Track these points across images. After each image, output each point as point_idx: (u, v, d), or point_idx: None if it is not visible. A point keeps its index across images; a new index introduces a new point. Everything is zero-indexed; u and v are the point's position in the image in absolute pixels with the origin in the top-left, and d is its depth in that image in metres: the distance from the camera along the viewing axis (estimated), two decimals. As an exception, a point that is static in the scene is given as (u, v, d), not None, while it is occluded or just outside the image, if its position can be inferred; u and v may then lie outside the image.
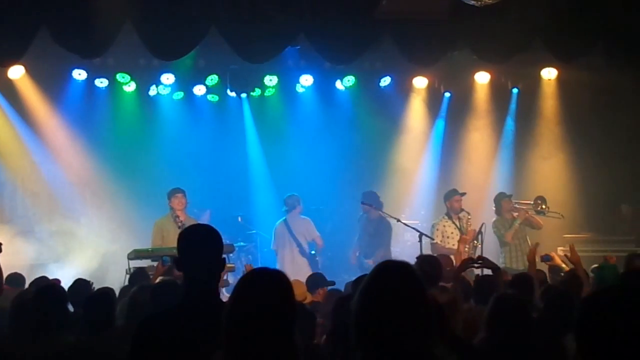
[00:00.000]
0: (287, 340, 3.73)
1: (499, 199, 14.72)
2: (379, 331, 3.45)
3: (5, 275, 8.90)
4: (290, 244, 14.91)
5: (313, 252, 14.99)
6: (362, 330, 3.51)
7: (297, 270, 14.17)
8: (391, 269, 3.64)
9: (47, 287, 7.42)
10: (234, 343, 3.68)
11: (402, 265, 3.70)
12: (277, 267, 14.68)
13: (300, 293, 8.76)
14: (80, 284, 8.83)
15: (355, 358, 3.53)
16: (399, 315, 3.45)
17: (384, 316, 3.46)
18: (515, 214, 14.66)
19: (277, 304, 3.73)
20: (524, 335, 5.67)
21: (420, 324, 3.48)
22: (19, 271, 10.31)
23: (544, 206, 14.72)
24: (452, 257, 12.13)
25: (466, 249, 13.92)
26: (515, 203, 14.86)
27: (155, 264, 11.91)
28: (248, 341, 3.66)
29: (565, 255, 9.81)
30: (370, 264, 14.04)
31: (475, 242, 13.89)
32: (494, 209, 14.76)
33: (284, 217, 15.05)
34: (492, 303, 5.92)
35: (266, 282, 3.81)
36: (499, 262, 14.20)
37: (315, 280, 10.23)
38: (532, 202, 14.84)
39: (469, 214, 14.34)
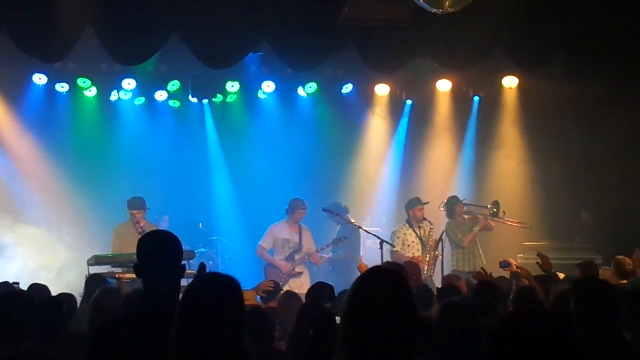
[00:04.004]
0: (236, 344, 3.75)
1: (452, 203, 14.85)
2: (366, 333, 3.49)
3: None
4: None
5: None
6: (350, 331, 3.54)
7: None
8: (382, 274, 3.68)
9: (10, 293, 7.37)
10: (184, 348, 3.70)
11: (393, 271, 3.74)
12: None
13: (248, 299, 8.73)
14: (36, 290, 8.77)
15: (342, 356, 3.54)
16: (386, 320, 3.49)
17: (371, 319, 3.50)
18: (467, 217, 14.80)
19: (224, 310, 3.76)
20: (472, 341, 5.66)
21: (406, 330, 3.51)
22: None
23: (495, 210, 14.85)
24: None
25: (427, 258, 14.02)
26: (469, 206, 15.02)
27: (115, 270, 11.91)
28: (198, 345, 3.68)
29: (538, 263, 9.84)
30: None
31: (436, 252, 13.97)
32: (444, 210, 14.89)
33: None
34: (439, 311, 5.93)
35: (213, 288, 3.84)
36: (450, 264, 14.36)
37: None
38: (486, 206, 14.98)
39: (431, 223, 14.37)
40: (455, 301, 6.13)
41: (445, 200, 15.03)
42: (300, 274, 14.23)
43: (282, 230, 14.45)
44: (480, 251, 14.61)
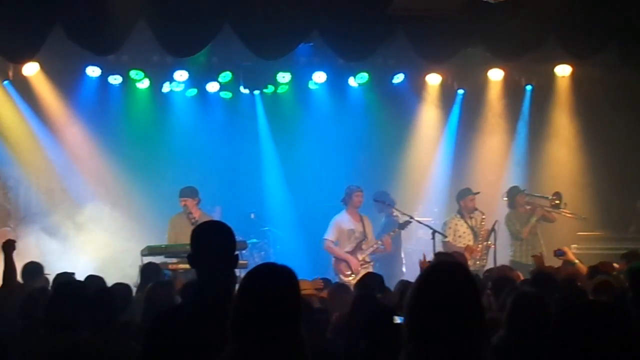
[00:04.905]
0: (294, 333, 3.76)
1: (513, 194, 14.73)
2: (433, 327, 3.47)
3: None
4: None
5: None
6: (416, 325, 3.53)
7: None
8: (446, 269, 3.65)
9: (66, 283, 7.46)
10: (241, 337, 3.72)
11: (458, 265, 3.73)
12: None
13: (306, 289, 8.76)
14: (92, 280, 8.86)
15: (408, 350, 3.54)
16: (454, 314, 3.47)
17: (438, 314, 3.48)
18: (528, 207, 14.67)
19: (281, 299, 3.77)
20: (544, 333, 5.62)
21: (473, 323, 3.49)
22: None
23: (558, 201, 14.72)
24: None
25: (479, 248, 13.95)
26: (530, 196, 14.89)
27: (168, 260, 12.02)
28: (254, 335, 3.69)
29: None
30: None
31: (488, 242, 13.88)
32: (506, 201, 14.77)
33: None
34: (512, 300, 5.89)
35: (271, 277, 3.84)
36: (508, 255, 14.24)
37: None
38: (548, 197, 14.85)
39: (483, 214, 14.30)
40: (529, 292, 6.09)
41: (507, 191, 14.94)
42: (369, 263, 14.07)
43: (345, 221, 14.26)
44: (542, 242, 14.44)
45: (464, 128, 17.34)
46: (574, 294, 7.22)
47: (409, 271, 14.26)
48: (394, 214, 14.89)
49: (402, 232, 14.86)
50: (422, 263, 10.93)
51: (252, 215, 16.32)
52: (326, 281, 10.15)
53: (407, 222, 14.26)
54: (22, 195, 15.77)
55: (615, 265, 10.07)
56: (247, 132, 17.00)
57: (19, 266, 9.00)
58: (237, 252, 4.59)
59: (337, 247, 14.11)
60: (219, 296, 4.31)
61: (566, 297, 6.92)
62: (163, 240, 13.30)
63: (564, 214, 14.90)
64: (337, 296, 8.57)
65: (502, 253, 13.87)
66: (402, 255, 15.23)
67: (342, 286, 9.57)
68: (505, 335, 5.76)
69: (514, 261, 13.92)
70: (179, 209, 13.44)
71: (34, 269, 9.90)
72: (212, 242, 4.49)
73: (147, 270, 10.07)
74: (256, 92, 16.78)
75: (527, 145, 17.20)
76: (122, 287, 8.21)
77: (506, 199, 14.86)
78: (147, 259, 11.62)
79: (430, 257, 11.18)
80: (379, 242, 14.14)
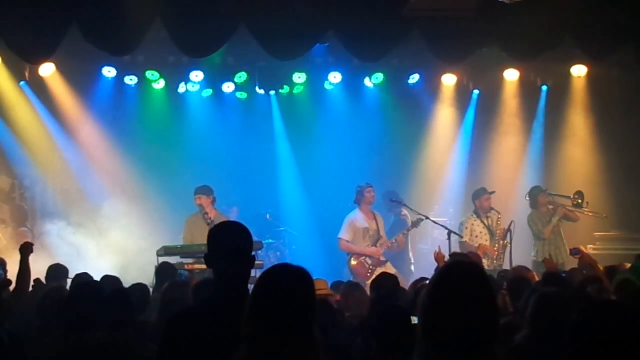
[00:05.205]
0: (307, 334, 3.77)
1: (535, 193, 14.66)
2: (447, 327, 3.46)
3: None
4: None
5: None
6: (431, 324, 3.52)
7: None
8: (461, 269, 3.65)
9: (83, 284, 7.48)
10: (255, 337, 3.73)
11: (474, 264, 3.72)
12: None
13: (323, 289, 8.75)
14: (108, 280, 8.88)
15: (421, 349, 3.54)
16: (469, 313, 3.46)
17: (453, 313, 3.47)
18: (551, 207, 14.60)
19: (295, 299, 3.78)
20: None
21: (488, 323, 3.49)
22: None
23: (580, 200, 14.65)
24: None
25: (495, 247, 13.92)
26: (552, 195, 14.81)
27: (184, 260, 12.03)
28: (268, 335, 3.70)
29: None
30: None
31: (504, 241, 13.85)
32: (528, 200, 14.73)
33: None
34: (535, 300, 5.88)
35: (285, 278, 3.86)
36: (530, 255, 14.20)
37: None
38: (570, 196, 14.78)
39: (499, 213, 14.26)
40: (552, 292, 6.09)
41: (528, 191, 14.89)
42: (385, 262, 14.01)
43: (359, 220, 14.19)
44: (565, 242, 14.37)
45: (479, 128, 17.32)
46: (583, 296, 7.21)
47: (418, 271, 14.22)
48: (403, 213, 14.89)
49: (416, 232, 14.89)
50: (436, 254, 10.94)
51: (268, 216, 16.35)
52: (338, 283, 10.13)
53: (420, 220, 14.22)
54: (38, 195, 15.85)
55: (627, 265, 10.06)
56: (263, 133, 17.02)
57: (34, 266, 9.02)
58: (253, 253, 4.60)
59: (353, 244, 14.08)
60: (234, 296, 4.32)
61: (575, 298, 6.91)
62: (179, 239, 13.33)
63: (585, 212, 14.84)
64: (350, 295, 8.57)
65: (518, 253, 13.80)
66: (411, 254, 15.22)
67: (355, 285, 9.56)
68: (528, 335, 5.76)
69: (536, 261, 13.85)
70: (194, 209, 13.45)
71: (59, 271, 9.93)
72: (229, 243, 4.50)
73: (162, 271, 10.08)
74: (272, 92, 16.80)
75: (543, 145, 17.14)
76: (139, 288, 8.23)
77: (528, 199, 14.80)
78: (162, 259, 11.63)
79: (445, 255, 11.17)
80: (393, 241, 14.14)
